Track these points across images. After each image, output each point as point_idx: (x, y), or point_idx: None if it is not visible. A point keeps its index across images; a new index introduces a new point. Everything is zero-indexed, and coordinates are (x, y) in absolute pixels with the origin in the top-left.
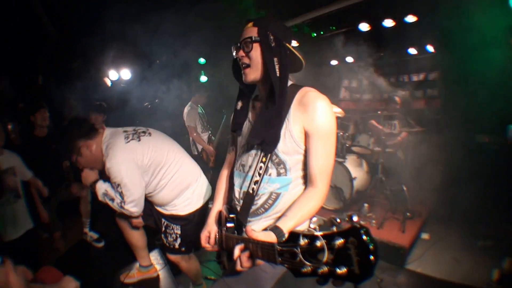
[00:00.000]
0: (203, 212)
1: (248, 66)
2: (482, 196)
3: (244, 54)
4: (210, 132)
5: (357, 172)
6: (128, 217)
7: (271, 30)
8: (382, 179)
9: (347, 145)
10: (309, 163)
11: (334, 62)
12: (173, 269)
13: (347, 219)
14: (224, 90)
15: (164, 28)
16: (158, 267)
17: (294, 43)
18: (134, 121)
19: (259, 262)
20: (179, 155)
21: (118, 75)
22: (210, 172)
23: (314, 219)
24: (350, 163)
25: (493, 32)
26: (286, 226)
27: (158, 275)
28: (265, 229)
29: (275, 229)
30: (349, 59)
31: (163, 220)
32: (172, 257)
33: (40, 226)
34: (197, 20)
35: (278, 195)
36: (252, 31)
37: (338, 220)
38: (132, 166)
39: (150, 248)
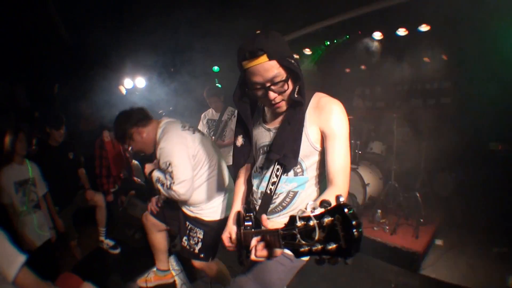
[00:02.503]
0: (225, 224)
1: (282, 101)
2: (496, 203)
3: (277, 95)
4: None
5: (370, 179)
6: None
7: (287, 54)
8: (395, 185)
9: (360, 152)
10: (328, 163)
11: (347, 70)
12: (189, 275)
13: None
14: None
15: (178, 36)
16: (173, 272)
17: (307, 51)
18: None
19: (277, 252)
20: (219, 162)
21: (133, 83)
22: None
23: (311, 202)
24: (363, 169)
25: (506, 39)
26: None
27: (174, 281)
28: None
29: None
30: (362, 67)
31: (187, 223)
32: (196, 263)
33: (57, 235)
34: (211, 28)
35: (295, 193)
36: (272, 67)
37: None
38: (183, 149)
39: None
